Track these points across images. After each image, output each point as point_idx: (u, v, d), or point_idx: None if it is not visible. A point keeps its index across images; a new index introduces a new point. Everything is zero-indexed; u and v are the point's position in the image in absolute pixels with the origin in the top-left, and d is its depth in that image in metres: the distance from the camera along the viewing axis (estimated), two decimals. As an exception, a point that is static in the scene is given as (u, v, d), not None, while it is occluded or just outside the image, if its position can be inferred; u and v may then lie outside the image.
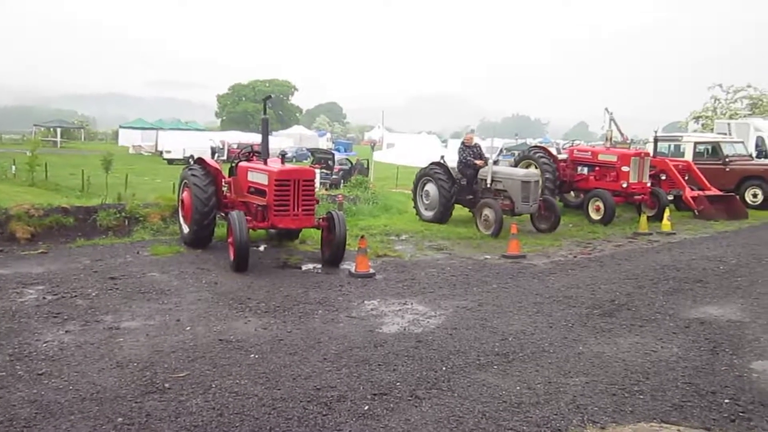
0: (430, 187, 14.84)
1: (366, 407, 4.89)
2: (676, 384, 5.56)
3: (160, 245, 10.71)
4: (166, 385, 5.17)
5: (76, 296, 7.67)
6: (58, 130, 68.27)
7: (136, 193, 16.48)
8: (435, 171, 14.77)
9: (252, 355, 5.91)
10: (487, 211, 13.37)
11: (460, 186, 14.63)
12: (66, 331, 6.41)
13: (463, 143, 15.18)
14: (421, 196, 15.16)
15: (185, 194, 10.96)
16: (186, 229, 10.98)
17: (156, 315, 7.07)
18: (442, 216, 14.54)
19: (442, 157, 15.67)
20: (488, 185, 14.16)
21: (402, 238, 12.86)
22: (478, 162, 14.52)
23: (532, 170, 15.08)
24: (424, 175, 15.12)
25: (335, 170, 29.80)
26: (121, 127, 77.84)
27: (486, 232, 13.06)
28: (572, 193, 18.07)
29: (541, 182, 14.79)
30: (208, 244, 10.81)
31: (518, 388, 5.36)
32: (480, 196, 14.30)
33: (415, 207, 15.37)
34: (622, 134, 21.59)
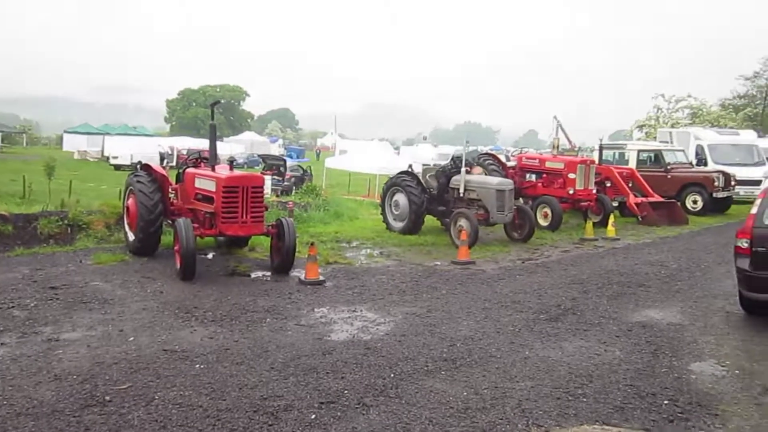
0: (400, 198, 14.20)
1: (313, 416, 4.85)
2: (618, 386, 5.70)
3: (104, 253, 10.45)
4: (107, 397, 5.03)
5: (13, 307, 7.40)
6: (-1, 135, 65.85)
7: (81, 199, 15.92)
8: (404, 180, 14.17)
9: (197, 366, 5.80)
10: (462, 222, 12.78)
11: (431, 196, 14.13)
12: (1, 344, 6.18)
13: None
14: (390, 206, 14.52)
15: (131, 201, 10.71)
16: (131, 237, 10.73)
17: (98, 325, 6.87)
18: (413, 227, 13.91)
19: (410, 165, 15.29)
20: (461, 195, 13.75)
21: (353, 245, 12.85)
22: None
23: (506, 179, 14.68)
24: (393, 185, 14.50)
25: (287, 177, 29.56)
26: (65, 131, 75.40)
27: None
28: (521, 199, 18.37)
29: (514, 190, 14.36)
30: (154, 252, 10.59)
31: (465, 393, 5.40)
32: (453, 206, 13.85)
33: (384, 218, 14.70)
34: (569, 142, 22.18)
